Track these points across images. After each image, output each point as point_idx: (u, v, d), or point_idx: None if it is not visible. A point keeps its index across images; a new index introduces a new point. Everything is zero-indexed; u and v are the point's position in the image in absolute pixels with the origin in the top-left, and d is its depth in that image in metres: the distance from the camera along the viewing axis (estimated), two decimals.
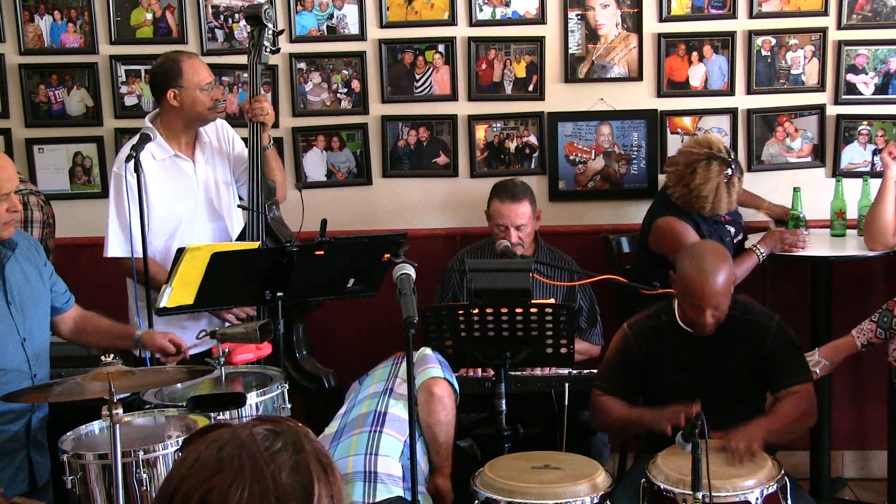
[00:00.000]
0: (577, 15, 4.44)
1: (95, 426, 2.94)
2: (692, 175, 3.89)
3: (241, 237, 3.82)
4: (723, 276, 3.16)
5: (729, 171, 3.89)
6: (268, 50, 3.85)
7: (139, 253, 3.46)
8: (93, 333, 3.41)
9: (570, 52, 4.46)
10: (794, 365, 3.27)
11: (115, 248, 3.69)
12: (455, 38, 4.47)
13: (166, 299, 3.30)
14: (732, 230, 4.12)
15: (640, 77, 4.47)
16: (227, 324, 3.71)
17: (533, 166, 4.55)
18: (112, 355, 2.64)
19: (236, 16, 4.45)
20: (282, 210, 3.98)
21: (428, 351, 3.30)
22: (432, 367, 3.23)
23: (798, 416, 3.20)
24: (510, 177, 4.20)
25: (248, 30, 3.94)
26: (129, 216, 3.47)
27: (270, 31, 3.84)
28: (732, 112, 4.45)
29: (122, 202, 3.63)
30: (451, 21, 4.46)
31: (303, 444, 1.34)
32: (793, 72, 4.46)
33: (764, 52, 4.44)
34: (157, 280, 3.50)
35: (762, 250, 4.00)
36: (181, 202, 3.77)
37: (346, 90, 4.53)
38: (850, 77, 4.44)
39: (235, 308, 3.73)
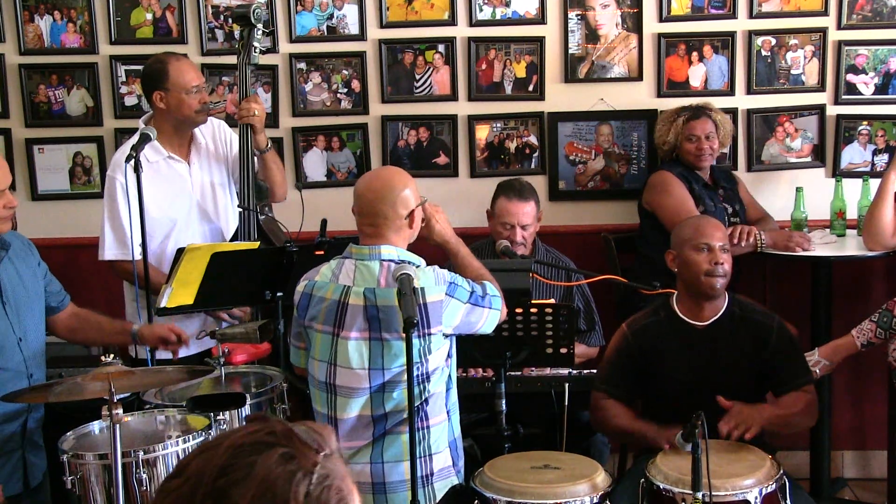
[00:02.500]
0: (577, 15, 4.43)
1: (95, 426, 2.94)
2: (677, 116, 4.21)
3: (234, 239, 3.80)
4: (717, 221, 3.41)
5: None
6: (257, 50, 3.82)
7: (135, 255, 3.43)
8: (90, 330, 3.39)
9: (570, 52, 4.46)
10: (797, 366, 3.29)
11: (110, 250, 3.67)
12: (455, 38, 4.47)
13: (166, 299, 3.30)
14: (729, 209, 4.16)
15: (640, 77, 4.47)
16: (224, 324, 3.70)
17: (533, 166, 4.55)
18: (112, 355, 2.65)
19: None
20: (282, 210, 3.97)
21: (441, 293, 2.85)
22: (482, 323, 2.93)
23: (801, 409, 3.22)
24: (515, 176, 4.20)
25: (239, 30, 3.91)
26: (129, 218, 3.43)
27: (260, 31, 3.83)
28: (732, 112, 4.44)
29: (116, 205, 3.62)
30: (451, 21, 4.46)
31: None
32: (793, 72, 4.46)
33: (764, 52, 4.44)
34: (153, 282, 3.49)
35: (764, 239, 4.01)
36: (175, 204, 3.74)
37: (346, 90, 4.52)
38: (850, 77, 4.44)
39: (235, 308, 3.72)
